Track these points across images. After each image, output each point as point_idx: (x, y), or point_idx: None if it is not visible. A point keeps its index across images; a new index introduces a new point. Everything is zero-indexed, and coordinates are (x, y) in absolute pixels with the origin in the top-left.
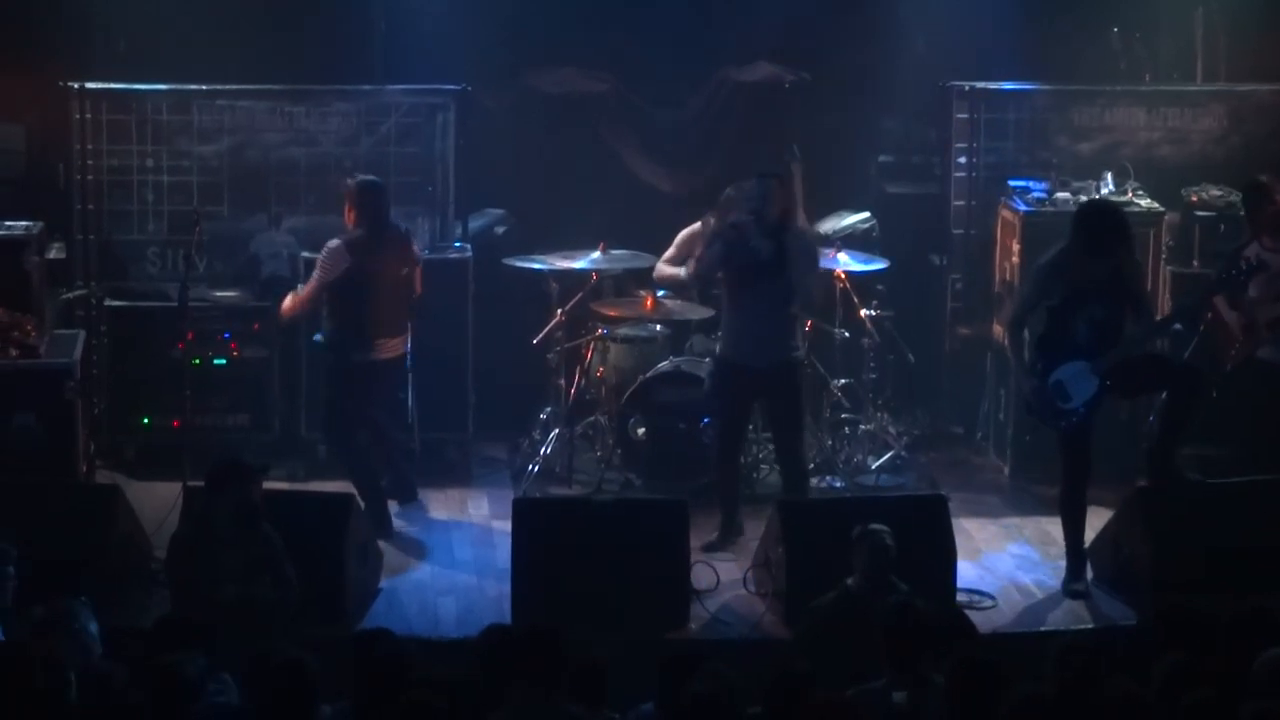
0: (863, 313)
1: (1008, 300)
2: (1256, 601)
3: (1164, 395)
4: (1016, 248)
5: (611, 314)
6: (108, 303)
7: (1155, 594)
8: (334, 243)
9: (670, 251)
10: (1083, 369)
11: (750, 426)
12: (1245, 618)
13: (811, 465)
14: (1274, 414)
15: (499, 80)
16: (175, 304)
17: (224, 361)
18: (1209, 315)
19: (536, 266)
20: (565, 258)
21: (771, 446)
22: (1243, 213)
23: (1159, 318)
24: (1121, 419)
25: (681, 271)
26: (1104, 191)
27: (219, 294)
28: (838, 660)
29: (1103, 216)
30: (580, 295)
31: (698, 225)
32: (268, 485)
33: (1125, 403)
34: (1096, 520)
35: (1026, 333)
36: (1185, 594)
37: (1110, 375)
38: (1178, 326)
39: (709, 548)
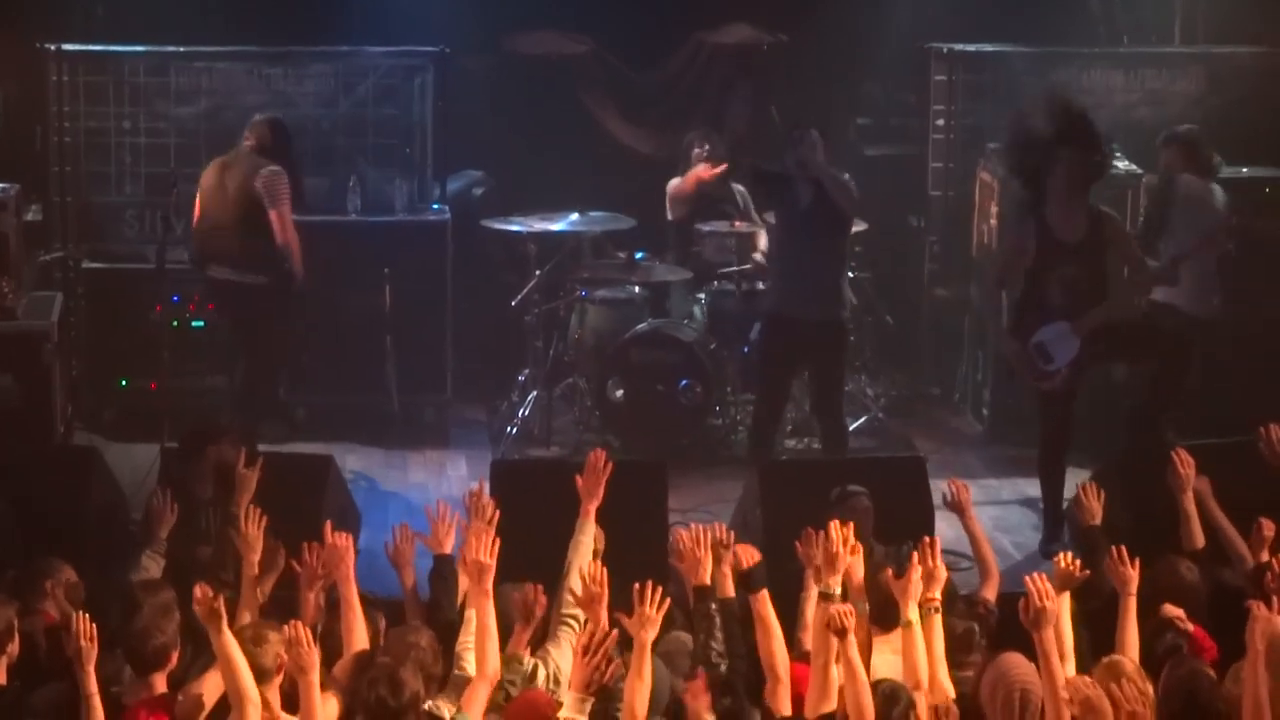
0: None
1: (986, 262)
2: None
3: (1155, 364)
4: (994, 210)
5: (589, 275)
6: (85, 265)
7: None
8: None
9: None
10: (1064, 330)
11: (729, 388)
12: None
13: (789, 427)
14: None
15: (477, 42)
16: (153, 266)
17: (202, 324)
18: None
19: (515, 228)
20: (544, 219)
21: (750, 409)
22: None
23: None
24: (1114, 381)
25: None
26: None
27: None
28: None
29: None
30: (558, 257)
31: (677, 180)
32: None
33: (1115, 368)
34: (1074, 481)
35: (1005, 296)
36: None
37: (1097, 337)
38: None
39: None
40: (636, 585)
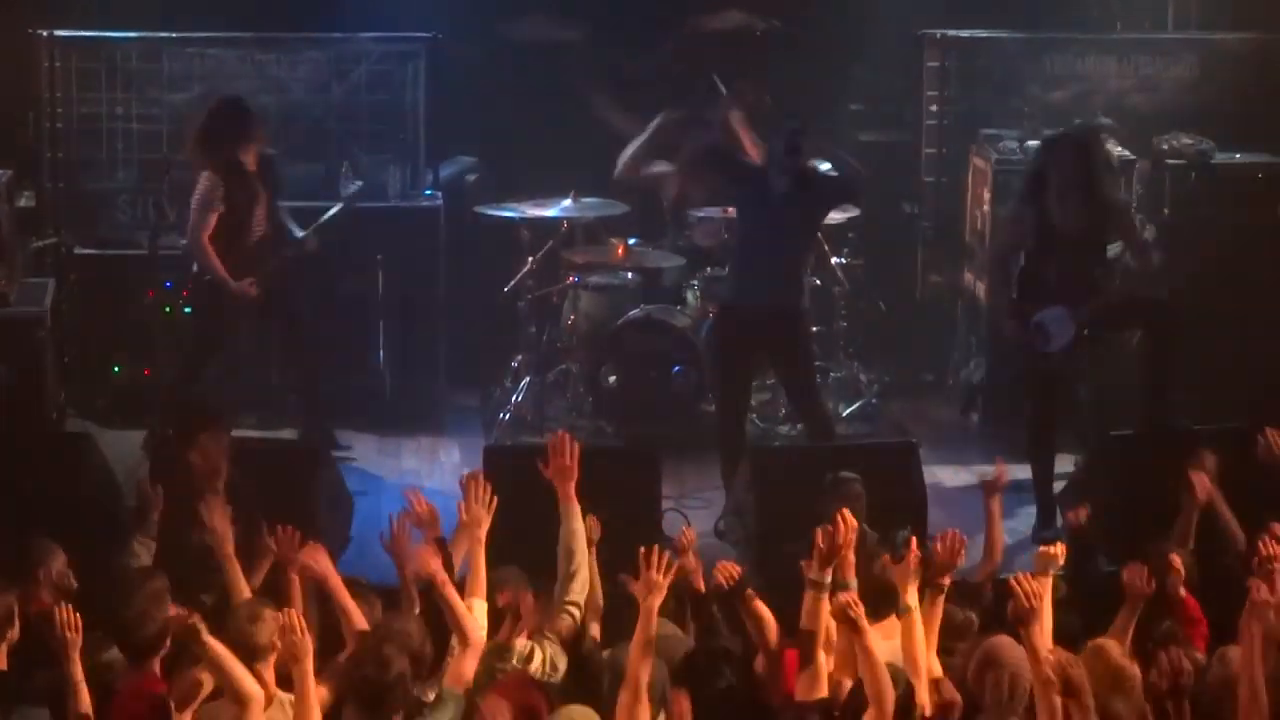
0: (833, 261)
1: (979, 249)
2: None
3: (1142, 336)
4: (987, 196)
5: (583, 262)
6: (78, 251)
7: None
8: None
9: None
10: (1062, 315)
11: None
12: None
13: (782, 413)
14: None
15: (470, 28)
16: (145, 252)
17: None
18: None
19: (508, 214)
20: (537, 205)
21: None
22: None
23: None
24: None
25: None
26: None
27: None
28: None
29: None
30: (551, 243)
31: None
32: (237, 433)
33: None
34: (1062, 467)
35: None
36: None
37: (1094, 321)
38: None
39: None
40: (643, 549)
